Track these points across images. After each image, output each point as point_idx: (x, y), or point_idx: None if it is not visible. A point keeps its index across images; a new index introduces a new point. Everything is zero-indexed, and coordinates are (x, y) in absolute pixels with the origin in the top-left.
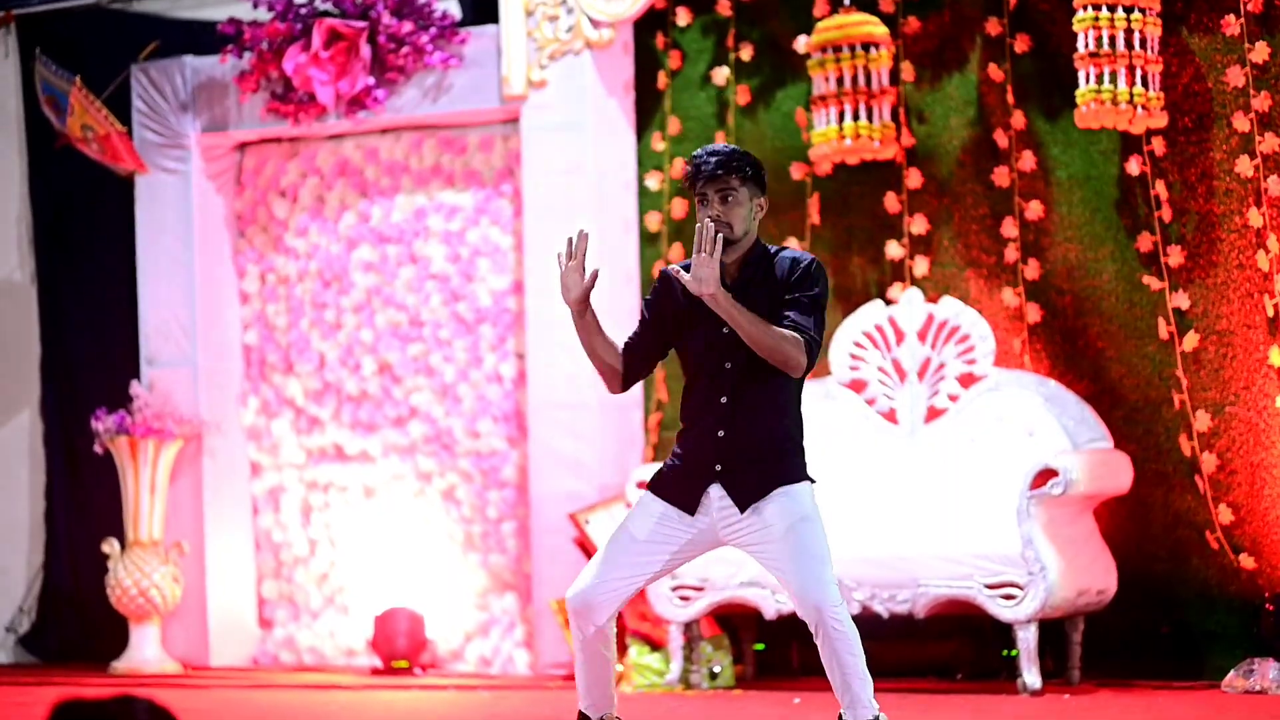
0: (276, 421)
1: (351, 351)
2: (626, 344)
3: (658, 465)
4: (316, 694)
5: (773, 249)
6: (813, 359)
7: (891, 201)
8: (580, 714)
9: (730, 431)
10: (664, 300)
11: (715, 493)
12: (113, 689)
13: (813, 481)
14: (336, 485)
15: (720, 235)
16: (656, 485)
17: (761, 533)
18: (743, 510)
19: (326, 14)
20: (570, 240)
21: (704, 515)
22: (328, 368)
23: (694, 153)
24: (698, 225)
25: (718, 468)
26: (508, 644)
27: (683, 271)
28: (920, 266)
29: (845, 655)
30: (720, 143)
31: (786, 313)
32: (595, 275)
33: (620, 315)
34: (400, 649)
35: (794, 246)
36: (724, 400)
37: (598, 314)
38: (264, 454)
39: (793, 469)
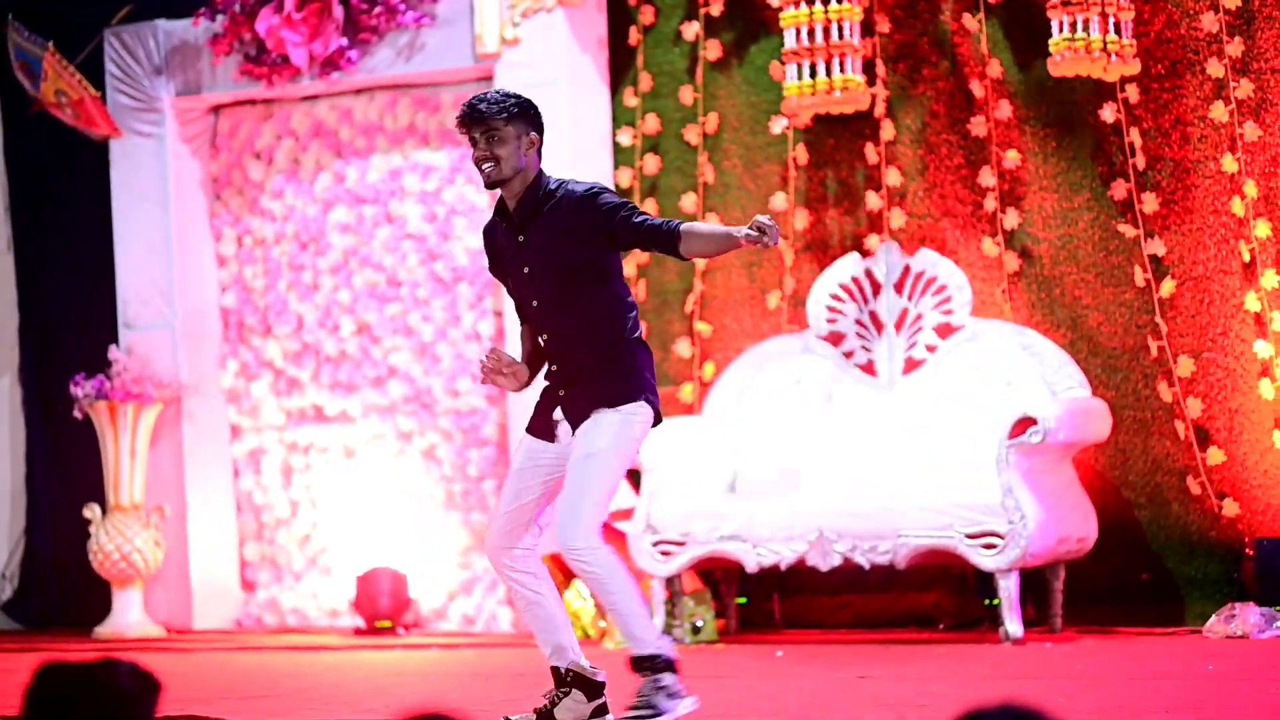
0: (256, 383)
1: (329, 312)
2: (525, 333)
3: None
4: (300, 655)
5: (554, 182)
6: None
7: (868, 153)
8: (552, 669)
9: (559, 363)
10: (489, 251)
11: (559, 416)
12: (96, 653)
13: (648, 402)
14: (317, 446)
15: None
16: (530, 421)
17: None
18: (574, 430)
19: None
20: (488, 360)
21: (560, 441)
22: (306, 329)
23: (469, 98)
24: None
25: (561, 393)
26: (490, 602)
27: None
28: (897, 218)
29: (600, 595)
30: (497, 88)
31: (639, 223)
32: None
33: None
34: (383, 609)
35: (779, 201)
36: (544, 337)
37: None
38: (244, 416)
39: (616, 391)
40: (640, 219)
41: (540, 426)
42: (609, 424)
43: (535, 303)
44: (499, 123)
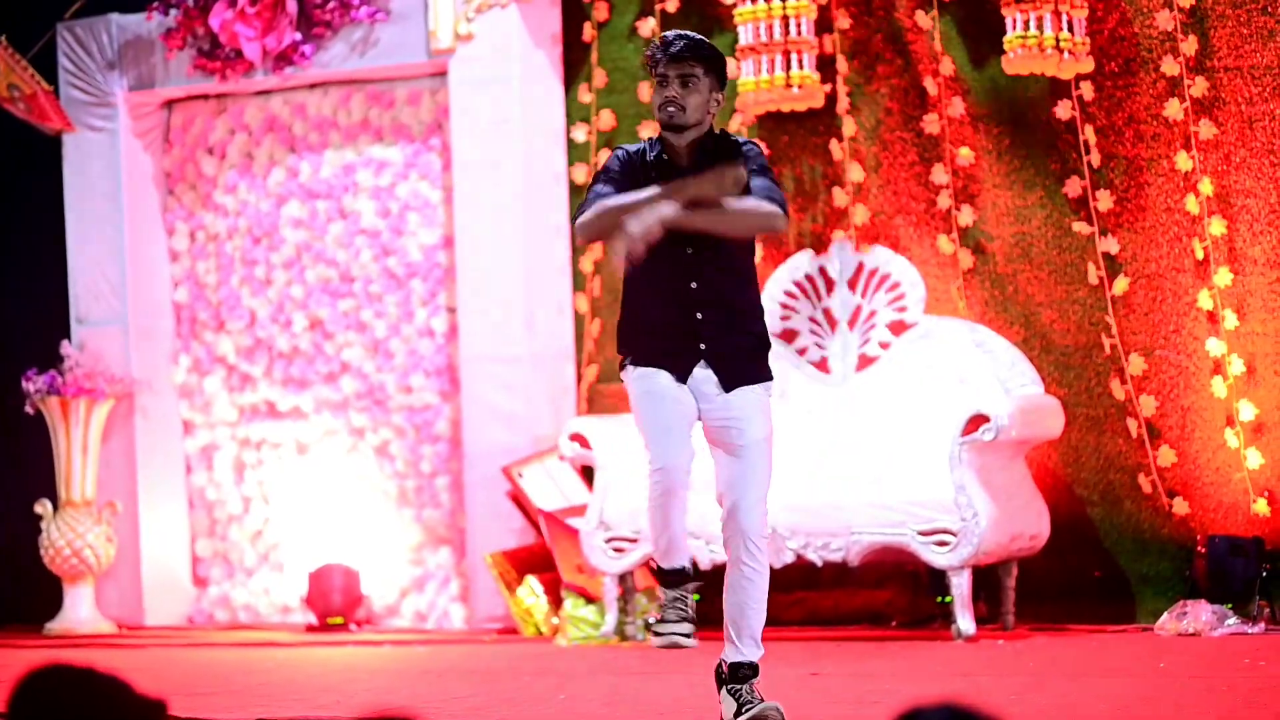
0: (208, 379)
1: (282, 308)
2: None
3: (591, 419)
4: (252, 651)
5: (721, 133)
6: (786, 214)
7: (824, 149)
8: (681, 570)
9: (708, 313)
10: (626, 168)
11: (700, 371)
12: (51, 653)
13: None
14: (269, 442)
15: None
16: (642, 358)
17: (726, 424)
18: (727, 390)
19: None
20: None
21: (691, 386)
22: (259, 324)
23: (664, 34)
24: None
25: (702, 346)
26: (443, 599)
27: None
28: (860, 214)
29: (754, 591)
30: (688, 30)
31: (771, 184)
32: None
33: (549, 269)
34: (335, 605)
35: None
36: (694, 285)
37: (529, 267)
38: (196, 412)
39: (762, 364)
40: (754, 177)
41: (677, 366)
42: (763, 406)
43: (690, 249)
44: (699, 70)
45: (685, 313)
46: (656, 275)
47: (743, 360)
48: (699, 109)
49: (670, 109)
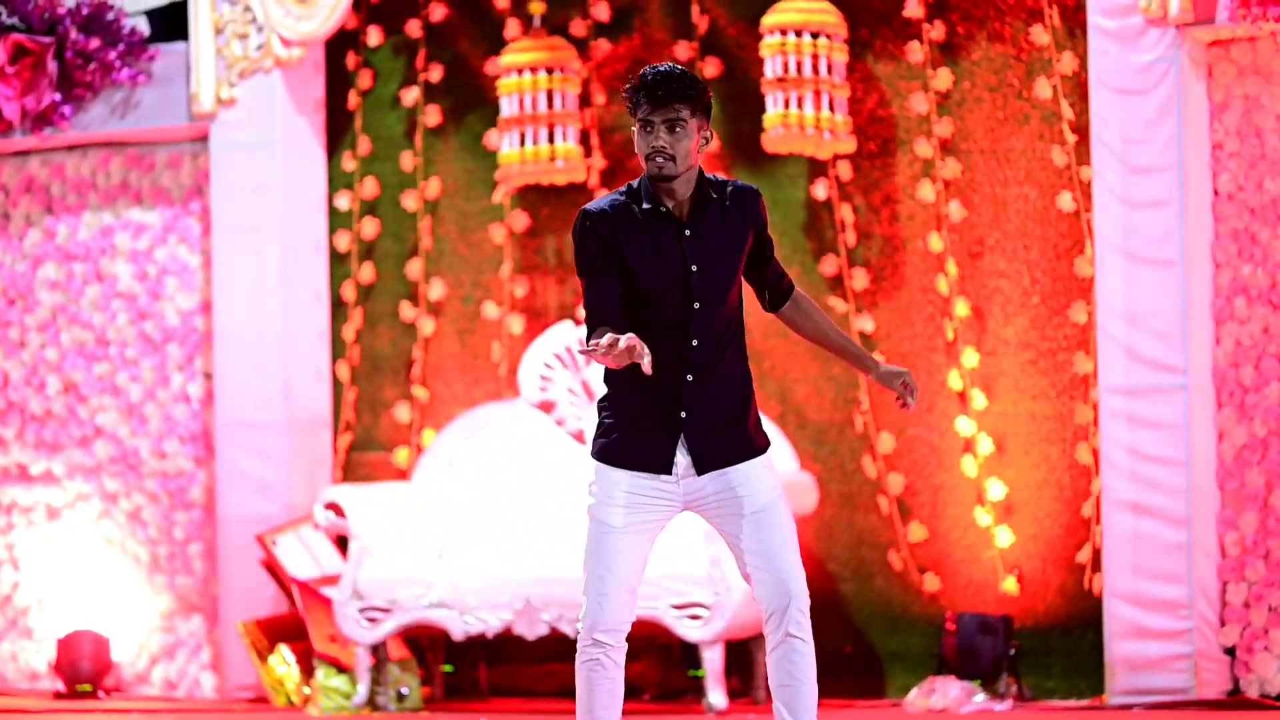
0: None
1: (36, 370)
2: (611, 316)
3: (346, 487)
4: None
5: (712, 178)
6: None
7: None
8: None
9: (700, 377)
10: (608, 241)
11: (682, 451)
12: None
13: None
14: (20, 506)
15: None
16: (611, 454)
17: (730, 504)
18: (701, 472)
19: (12, 29)
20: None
21: (676, 474)
22: (11, 387)
23: (642, 71)
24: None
25: (683, 415)
26: (194, 666)
27: None
28: None
29: (810, 655)
30: (666, 63)
31: (776, 271)
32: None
33: (308, 336)
34: (84, 672)
35: (505, 271)
36: (695, 343)
37: (287, 334)
38: None
39: (760, 434)
40: (776, 263)
41: (655, 457)
42: (771, 470)
43: (697, 305)
44: (686, 112)
45: (673, 374)
46: (652, 325)
47: (734, 439)
48: (689, 155)
49: (659, 160)
